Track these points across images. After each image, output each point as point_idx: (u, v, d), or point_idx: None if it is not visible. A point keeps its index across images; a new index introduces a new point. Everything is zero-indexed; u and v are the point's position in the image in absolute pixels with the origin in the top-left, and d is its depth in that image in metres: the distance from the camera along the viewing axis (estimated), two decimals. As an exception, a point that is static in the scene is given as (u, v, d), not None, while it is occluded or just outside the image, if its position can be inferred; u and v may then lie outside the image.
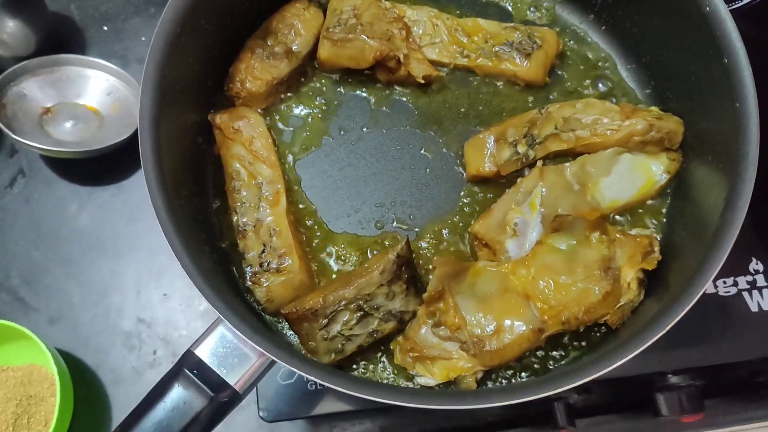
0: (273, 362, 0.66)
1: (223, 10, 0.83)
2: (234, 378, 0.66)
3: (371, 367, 0.79)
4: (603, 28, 0.94)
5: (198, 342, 0.67)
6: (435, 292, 0.75)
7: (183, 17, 0.75)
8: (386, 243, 0.85)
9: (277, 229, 0.81)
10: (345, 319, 0.74)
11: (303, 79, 0.92)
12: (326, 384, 0.63)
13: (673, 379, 0.88)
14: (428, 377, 0.75)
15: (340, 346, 0.75)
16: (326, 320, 0.74)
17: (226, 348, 0.66)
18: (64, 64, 1.09)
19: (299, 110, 0.91)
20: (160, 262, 1.04)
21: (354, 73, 0.91)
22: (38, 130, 1.05)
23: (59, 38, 1.14)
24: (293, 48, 0.88)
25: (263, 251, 0.80)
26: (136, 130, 1.01)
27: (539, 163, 0.84)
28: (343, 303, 0.74)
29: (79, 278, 1.04)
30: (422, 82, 0.88)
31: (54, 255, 1.05)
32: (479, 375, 0.75)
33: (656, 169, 0.84)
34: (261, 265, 0.79)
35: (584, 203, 0.82)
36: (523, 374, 0.79)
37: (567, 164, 0.84)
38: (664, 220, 0.85)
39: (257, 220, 0.81)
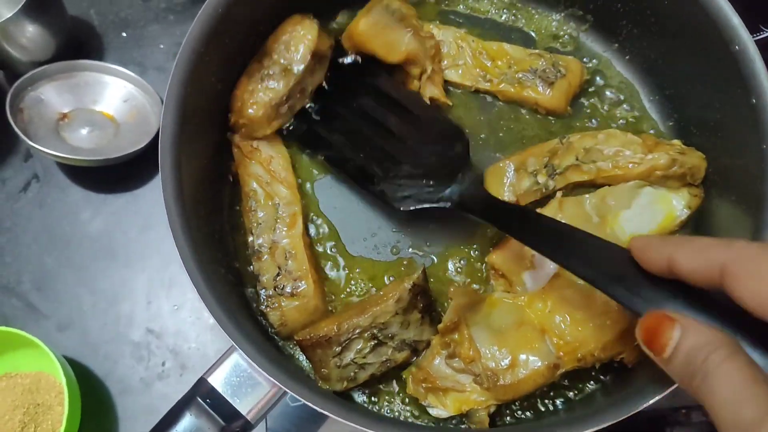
0: (286, 392, 0.66)
1: (248, 29, 0.82)
2: (246, 408, 0.65)
3: (383, 396, 0.78)
4: (627, 57, 0.93)
5: (211, 369, 0.67)
6: (450, 323, 0.74)
7: (208, 35, 0.74)
8: (402, 269, 0.84)
9: (293, 252, 0.80)
10: (359, 347, 0.74)
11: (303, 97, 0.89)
12: (341, 420, 0.62)
13: (686, 415, 0.87)
14: (441, 409, 0.75)
15: (352, 374, 0.74)
16: (340, 348, 0.73)
17: (239, 377, 0.66)
18: (83, 69, 1.09)
19: (318, 129, 0.90)
20: (172, 272, 1.04)
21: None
22: (54, 135, 1.05)
23: (78, 43, 1.14)
24: (289, 66, 0.85)
25: (278, 274, 0.79)
26: (152, 139, 1.03)
27: (558, 194, 0.83)
28: (357, 331, 0.73)
29: (89, 285, 1.04)
30: (428, 103, 0.87)
31: (66, 261, 1.05)
32: (492, 409, 0.74)
33: (677, 204, 0.83)
34: (275, 288, 0.79)
35: (603, 236, 0.81)
36: (534, 410, 0.78)
37: (587, 196, 0.83)
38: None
39: (273, 242, 0.81)
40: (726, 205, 0.79)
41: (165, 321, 1.02)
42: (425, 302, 0.77)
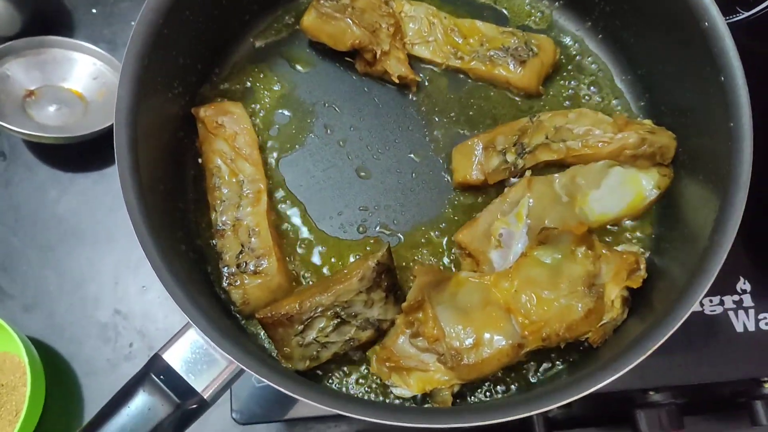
0: (243, 370, 0.64)
1: (209, 2, 0.80)
2: (202, 385, 0.64)
3: (347, 375, 0.78)
4: (600, 36, 0.92)
5: (167, 346, 0.66)
6: (414, 302, 0.73)
7: (166, 7, 0.72)
8: (368, 248, 0.83)
9: (256, 229, 0.79)
10: (321, 325, 0.72)
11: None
12: (297, 396, 0.61)
13: (654, 397, 0.87)
14: (404, 388, 0.74)
15: (315, 353, 0.73)
16: (302, 326, 0.72)
17: (195, 353, 0.65)
18: (51, 46, 1.07)
19: (284, 106, 0.89)
20: (140, 254, 0.98)
21: (335, 55, 0.89)
22: (21, 113, 1.03)
23: (46, 19, 1.12)
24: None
25: (241, 252, 0.78)
26: (120, 118, 1.01)
27: (528, 173, 0.82)
28: (319, 309, 0.72)
29: (56, 266, 1.02)
30: (397, 81, 0.86)
31: (31, 241, 1.03)
32: (455, 388, 0.73)
33: (646, 184, 0.82)
34: (238, 266, 0.78)
35: (572, 216, 0.81)
36: (498, 388, 0.77)
37: (556, 175, 0.82)
38: (652, 235, 0.83)
39: (236, 219, 0.79)
40: (694, 185, 0.78)
41: (132, 302, 1.01)
42: (389, 281, 0.75)
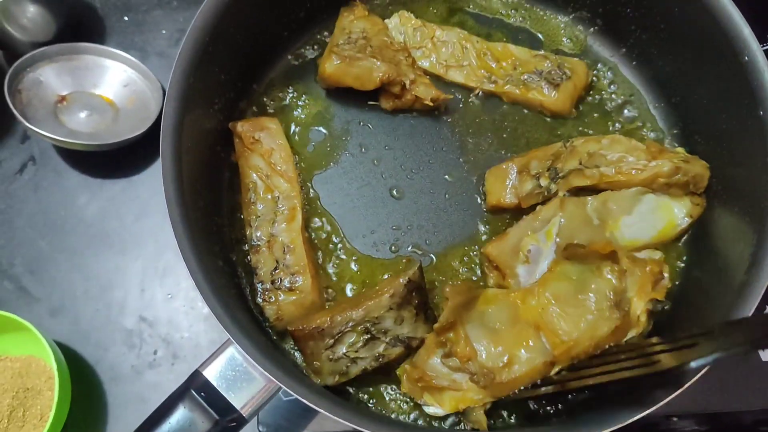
0: (281, 388, 0.65)
1: (252, 20, 0.81)
2: (240, 402, 0.65)
3: (378, 393, 0.78)
4: (634, 63, 0.93)
5: (207, 362, 0.66)
6: (446, 323, 0.73)
7: (213, 26, 0.73)
8: (400, 267, 0.84)
9: (291, 246, 0.79)
10: (351, 340, 0.73)
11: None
12: (335, 417, 0.62)
13: (677, 423, 0.88)
14: (437, 407, 0.74)
15: (344, 368, 0.74)
16: (332, 340, 0.73)
17: (235, 371, 0.65)
18: (83, 52, 1.07)
19: (320, 124, 0.89)
20: (166, 261, 1.03)
21: (356, 97, 0.89)
22: (52, 118, 1.04)
23: (79, 26, 1.13)
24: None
25: (276, 268, 0.79)
26: (152, 126, 1.02)
27: (561, 193, 0.83)
28: (350, 324, 0.73)
29: (83, 271, 1.03)
30: (431, 105, 0.87)
31: (59, 245, 1.04)
32: (488, 406, 0.74)
33: (678, 212, 0.83)
34: (273, 282, 0.78)
35: (602, 239, 0.81)
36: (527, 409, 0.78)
37: (589, 198, 0.83)
38: (683, 265, 0.83)
39: (271, 235, 0.80)
40: (728, 216, 0.78)
41: (158, 309, 1.01)
42: (420, 299, 0.76)
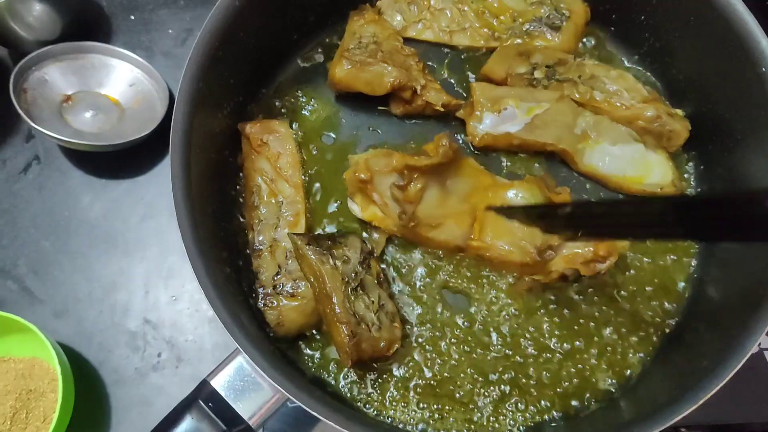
0: (289, 398, 0.64)
1: (262, 25, 0.80)
2: (248, 413, 0.64)
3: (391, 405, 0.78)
4: (647, 73, 0.92)
5: (214, 372, 0.66)
6: (426, 167, 0.77)
7: (223, 30, 0.73)
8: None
9: (292, 252, 0.79)
10: (363, 304, 0.74)
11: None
12: (342, 429, 0.61)
13: (685, 434, 0.87)
14: (358, 209, 0.81)
15: (387, 314, 0.76)
16: (362, 323, 0.74)
17: (243, 381, 0.65)
18: (89, 51, 1.07)
19: (329, 129, 0.89)
20: (171, 263, 1.02)
21: (366, 102, 0.89)
22: (57, 117, 1.03)
23: (85, 24, 1.11)
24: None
25: (278, 273, 0.79)
26: (157, 127, 1.01)
27: (565, 87, 0.86)
28: (347, 305, 0.74)
29: (87, 272, 1.02)
30: (442, 110, 0.87)
31: (63, 246, 1.03)
32: (384, 243, 0.81)
33: (654, 177, 0.84)
34: (274, 287, 0.78)
35: (570, 144, 0.85)
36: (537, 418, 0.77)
37: (587, 111, 0.85)
38: (695, 275, 0.83)
39: (274, 240, 0.80)
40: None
41: (162, 312, 1.00)
42: (325, 239, 0.78)
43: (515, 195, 0.81)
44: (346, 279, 0.74)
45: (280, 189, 0.82)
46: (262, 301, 0.78)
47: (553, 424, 0.76)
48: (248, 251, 0.82)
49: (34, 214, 1.04)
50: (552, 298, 0.82)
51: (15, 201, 1.05)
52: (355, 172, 0.78)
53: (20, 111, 0.96)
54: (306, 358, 0.79)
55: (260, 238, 0.80)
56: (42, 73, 1.04)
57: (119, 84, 1.08)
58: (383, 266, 0.81)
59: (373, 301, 0.75)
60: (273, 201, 0.82)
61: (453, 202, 0.79)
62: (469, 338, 0.80)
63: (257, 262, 0.80)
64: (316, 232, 0.84)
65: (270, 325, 0.78)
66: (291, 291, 0.78)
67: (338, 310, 0.72)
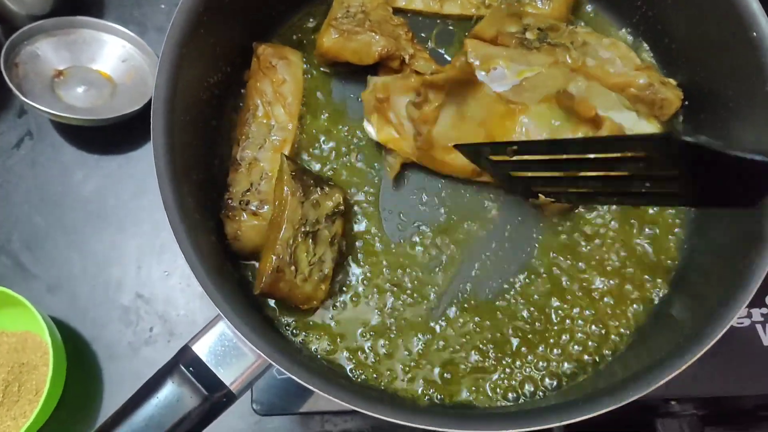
0: (271, 365, 0.64)
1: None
2: (230, 378, 0.64)
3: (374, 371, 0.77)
4: (639, 39, 0.90)
5: (196, 337, 0.66)
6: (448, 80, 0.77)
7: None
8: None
9: (269, 174, 0.80)
10: (304, 251, 0.74)
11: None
12: (324, 394, 0.61)
13: (676, 407, 0.87)
14: (374, 131, 0.81)
15: (320, 273, 0.75)
16: (293, 266, 0.73)
17: (224, 346, 0.65)
18: (81, 26, 1.06)
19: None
20: (163, 239, 1.02)
21: (353, 73, 0.88)
22: (49, 92, 1.03)
23: (77, -1, 1.11)
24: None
25: (248, 190, 0.80)
26: (149, 102, 1.00)
27: (559, 52, 0.85)
28: (291, 242, 0.74)
29: (80, 247, 1.02)
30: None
31: (56, 222, 1.03)
32: (400, 165, 0.82)
33: None
34: (240, 202, 0.79)
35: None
36: (526, 390, 0.77)
37: (579, 77, 0.83)
38: (684, 246, 0.82)
39: (254, 158, 0.81)
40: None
41: (154, 287, 1.01)
42: (312, 177, 0.78)
43: (528, 123, 0.79)
44: (304, 221, 0.74)
45: (275, 113, 0.83)
46: (226, 211, 0.80)
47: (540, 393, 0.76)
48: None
49: (27, 189, 1.05)
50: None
51: (8, 176, 1.05)
52: (374, 93, 0.79)
53: (12, 86, 0.96)
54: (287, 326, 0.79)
55: (243, 154, 0.82)
56: (34, 47, 1.03)
57: (111, 59, 1.07)
58: (359, 243, 0.81)
59: (315, 255, 0.75)
60: (265, 122, 0.83)
61: (468, 126, 0.78)
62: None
63: (233, 175, 0.81)
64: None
65: (227, 237, 0.79)
66: (255, 210, 0.79)
67: (279, 242, 0.73)
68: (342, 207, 0.77)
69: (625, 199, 0.69)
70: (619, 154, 0.60)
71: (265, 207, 0.79)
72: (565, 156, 0.65)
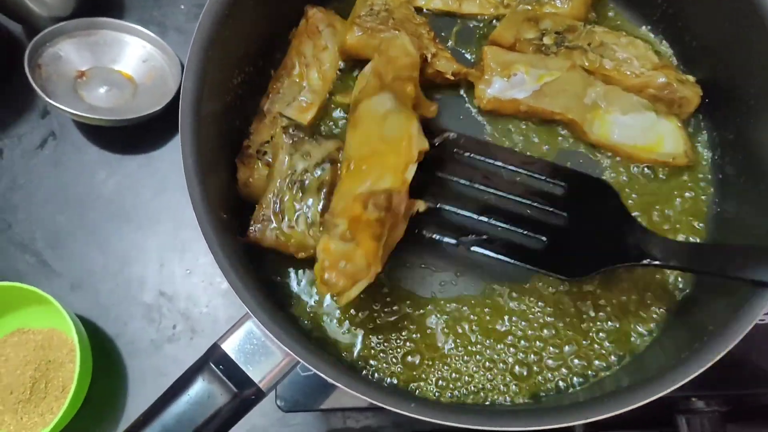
0: (298, 362, 0.65)
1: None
2: (259, 376, 0.65)
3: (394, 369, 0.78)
4: (663, 40, 0.91)
5: (225, 336, 0.66)
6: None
7: (230, -1, 0.73)
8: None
9: None
10: (293, 201, 0.76)
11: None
12: (352, 392, 0.62)
13: (697, 403, 0.87)
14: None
15: (308, 220, 0.76)
16: (281, 214, 0.75)
17: (253, 345, 0.66)
18: (102, 27, 1.08)
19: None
20: (185, 237, 1.04)
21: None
22: (72, 93, 1.04)
23: (98, 1, 1.12)
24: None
25: (267, 141, 0.82)
26: (170, 102, 1.02)
27: (576, 56, 0.86)
28: (276, 192, 0.76)
29: (102, 246, 1.03)
30: (452, 78, 0.86)
31: (79, 221, 1.05)
32: None
33: (666, 146, 0.83)
34: (258, 152, 0.81)
35: (580, 115, 0.84)
36: (549, 385, 0.77)
37: (597, 81, 0.84)
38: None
39: (280, 113, 0.83)
40: (753, 194, 0.77)
41: (177, 285, 1.02)
42: (306, 132, 0.79)
43: None
44: (291, 171, 0.76)
45: (309, 76, 0.86)
46: (242, 158, 0.81)
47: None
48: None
49: (50, 189, 1.06)
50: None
51: (31, 176, 1.07)
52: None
53: (35, 86, 0.98)
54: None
55: (270, 107, 0.84)
56: (56, 49, 1.05)
57: (132, 60, 1.09)
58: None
59: (302, 202, 0.76)
60: (297, 81, 0.86)
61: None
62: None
63: (256, 125, 0.83)
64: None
65: (238, 181, 0.81)
66: (269, 161, 0.81)
67: (266, 193, 0.76)
68: (336, 155, 0.78)
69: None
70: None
71: None
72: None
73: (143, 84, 1.08)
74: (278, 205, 0.75)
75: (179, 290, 1.02)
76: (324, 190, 0.77)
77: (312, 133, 0.79)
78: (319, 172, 0.77)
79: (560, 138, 0.87)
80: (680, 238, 0.82)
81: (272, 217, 0.75)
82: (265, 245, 0.76)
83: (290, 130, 0.78)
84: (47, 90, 1.00)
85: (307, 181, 0.77)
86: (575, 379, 0.77)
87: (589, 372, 0.77)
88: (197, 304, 1.01)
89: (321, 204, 0.77)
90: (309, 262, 0.79)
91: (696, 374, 0.63)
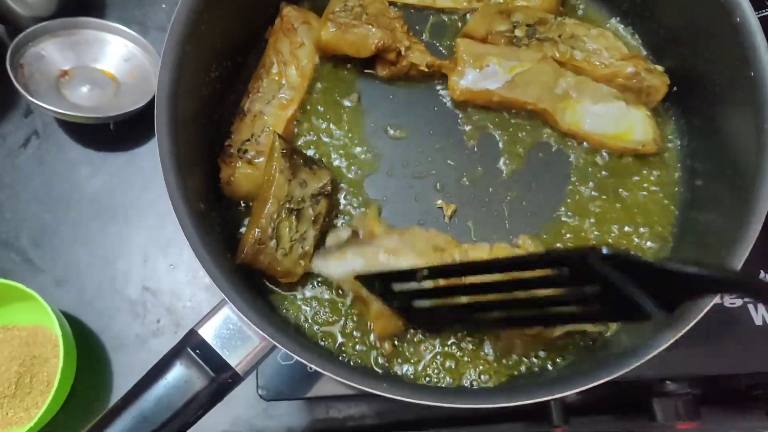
0: (275, 347, 0.67)
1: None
2: (236, 360, 0.66)
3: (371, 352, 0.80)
4: (630, 29, 0.93)
5: (202, 321, 0.68)
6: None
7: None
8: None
9: (270, 128, 0.84)
10: (287, 227, 0.77)
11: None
12: (327, 373, 0.63)
13: (671, 386, 0.88)
14: None
15: (301, 250, 0.77)
16: (274, 240, 0.76)
17: (229, 330, 0.67)
18: (84, 27, 1.09)
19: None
20: (169, 232, 1.05)
21: (353, 66, 0.91)
22: (54, 92, 1.05)
23: (80, 0, 1.13)
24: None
25: (248, 140, 0.83)
26: (152, 99, 1.02)
27: (548, 52, 0.87)
28: (275, 217, 0.76)
29: (87, 243, 1.05)
30: (427, 70, 0.88)
31: (64, 218, 1.06)
32: None
33: (635, 134, 0.85)
34: (239, 150, 0.83)
35: (551, 105, 0.86)
36: (521, 369, 0.79)
37: (569, 72, 0.86)
38: (674, 232, 0.84)
39: (260, 111, 0.85)
40: (719, 183, 0.79)
41: (161, 279, 1.03)
42: (302, 157, 0.81)
43: None
44: (289, 198, 0.77)
45: (288, 73, 0.87)
46: (224, 157, 0.83)
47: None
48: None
49: (35, 187, 1.07)
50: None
51: (16, 175, 1.08)
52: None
53: (18, 86, 0.99)
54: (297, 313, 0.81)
55: (250, 105, 0.85)
56: (38, 48, 1.06)
57: (114, 58, 1.10)
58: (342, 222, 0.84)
59: (297, 231, 0.77)
60: (277, 80, 0.87)
61: None
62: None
63: (237, 124, 0.85)
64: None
65: (221, 180, 0.82)
66: (250, 159, 0.82)
67: (263, 216, 0.76)
68: (329, 188, 0.80)
69: (547, 321, 0.70)
70: (541, 274, 0.60)
71: (261, 158, 0.82)
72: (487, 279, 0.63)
73: (125, 83, 1.09)
74: (273, 231, 0.76)
75: (163, 285, 1.03)
76: (319, 222, 0.79)
77: (306, 159, 0.81)
78: (314, 205, 0.79)
79: (529, 127, 0.89)
80: (653, 218, 0.84)
81: (266, 241, 0.75)
82: (255, 267, 0.77)
83: (292, 156, 0.79)
84: (30, 89, 1.01)
85: (302, 211, 0.78)
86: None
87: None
88: (181, 298, 1.02)
89: (315, 235, 0.79)
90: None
91: (656, 352, 0.64)
